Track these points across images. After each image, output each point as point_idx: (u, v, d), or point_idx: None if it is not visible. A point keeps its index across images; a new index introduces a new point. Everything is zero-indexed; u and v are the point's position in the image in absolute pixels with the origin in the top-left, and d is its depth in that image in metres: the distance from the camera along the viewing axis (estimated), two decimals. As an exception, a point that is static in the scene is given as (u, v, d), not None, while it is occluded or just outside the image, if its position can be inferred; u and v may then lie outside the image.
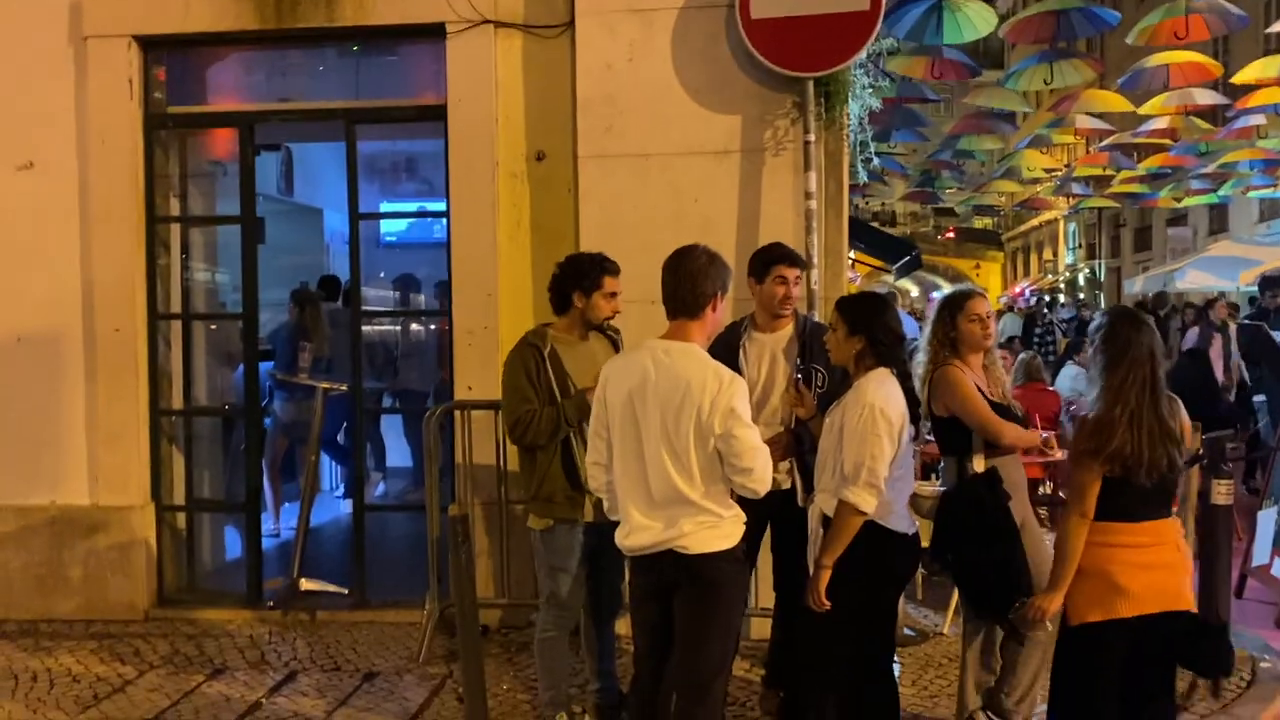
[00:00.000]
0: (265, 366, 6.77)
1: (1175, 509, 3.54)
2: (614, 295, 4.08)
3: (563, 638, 4.13)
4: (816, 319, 4.82)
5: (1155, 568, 3.24)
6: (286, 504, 7.30)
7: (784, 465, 3.99)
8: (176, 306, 6.05)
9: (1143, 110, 13.53)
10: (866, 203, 21.77)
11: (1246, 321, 9.41)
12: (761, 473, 3.20)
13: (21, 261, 5.78)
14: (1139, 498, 3.24)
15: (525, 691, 4.67)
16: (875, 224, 25.05)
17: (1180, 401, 3.35)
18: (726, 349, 4.08)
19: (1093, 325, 3.51)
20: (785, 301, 4.17)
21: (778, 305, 4.17)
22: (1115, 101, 13.38)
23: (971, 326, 4.00)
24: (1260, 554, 6.37)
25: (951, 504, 3.94)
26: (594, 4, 5.26)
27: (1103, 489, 3.25)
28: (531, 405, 3.98)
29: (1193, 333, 11.26)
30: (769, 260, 4.20)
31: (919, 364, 4.13)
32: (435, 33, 5.48)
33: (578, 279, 4.07)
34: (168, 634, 5.54)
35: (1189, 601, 3.28)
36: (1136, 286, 21.21)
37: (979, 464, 3.93)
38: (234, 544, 6.31)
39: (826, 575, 3.44)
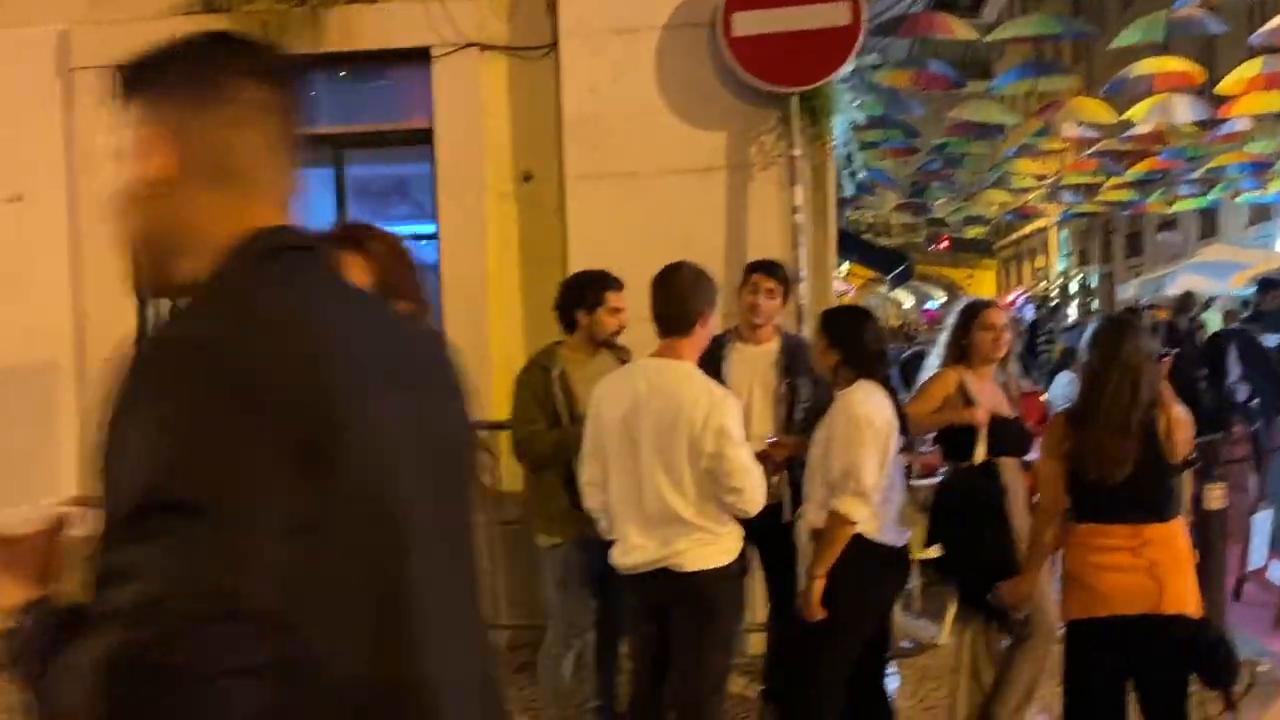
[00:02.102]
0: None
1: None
2: (618, 311, 4.10)
3: (569, 657, 4.12)
4: (804, 332, 4.84)
5: (1130, 570, 3.26)
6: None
7: (773, 479, 4.00)
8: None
9: (1127, 115, 13.61)
10: (860, 215, 21.83)
11: (1237, 328, 9.39)
12: (752, 493, 3.20)
13: (9, 293, 5.78)
14: (1107, 499, 3.29)
15: (524, 713, 4.65)
16: (869, 235, 25.10)
17: (1178, 407, 3.36)
18: (709, 361, 4.09)
19: (1086, 331, 3.57)
20: (754, 310, 4.18)
21: (749, 313, 4.20)
22: (1100, 111, 13.45)
23: (984, 335, 4.02)
24: (1256, 557, 6.37)
25: (946, 491, 4.00)
26: (577, 25, 5.30)
27: (1075, 489, 3.35)
28: (536, 426, 3.99)
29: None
30: (748, 269, 4.27)
31: (928, 369, 4.16)
32: (421, 57, 5.51)
33: (580, 296, 4.10)
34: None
35: (1180, 605, 3.27)
36: (1129, 292, 21.27)
37: (979, 454, 3.94)
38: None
39: (819, 585, 3.45)
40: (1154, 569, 3.26)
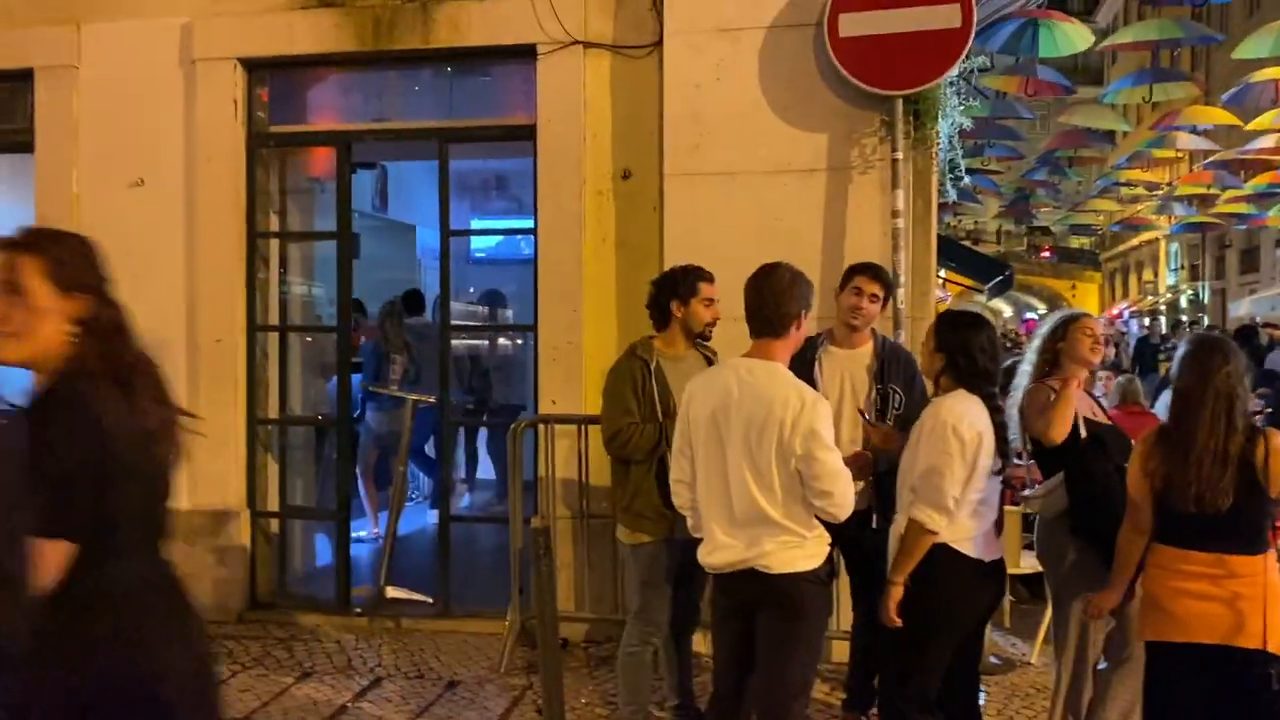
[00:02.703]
0: (357, 378, 6.95)
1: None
2: (711, 301, 4.10)
3: (647, 653, 4.14)
4: (902, 339, 4.77)
5: (1208, 599, 3.18)
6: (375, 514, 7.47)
7: (860, 485, 3.95)
8: (274, 319, 6.26)
9: (1250, 126, 13.06)
10: (959, 221, 21.38)
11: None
12: (842, 497, 3.17)
13: (132, 273, 5.98)
14: (1190, 525, 3.22)
15: (604, 706, 4.69)
16: (968, 242, 24.57)
17: (1278, 436, 3.22)
18: (800, 363, 4.06)
19: (1178, 350, 3.45)
20: (855, 312, 4.13)
21: (848, 314, 4.15)
22: (1220, 116, 12.95)
23: (1082, 338, 3.92)
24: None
25: (1068, 470, 3.89)
26: (683, 24, 5.30)
27: (1158, 512, 3.30)
28: (633, 418, 4.01)
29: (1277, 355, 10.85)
30: (850, 271, 4.23)
31: (1021, 375, 4.05)
32: (526, 54, 5.59)
33: (674, 288, 4.11)
34: (259, 636, 5.71)
35: (1259, 641, 3.14)
36: (1242, 309, 20.43)
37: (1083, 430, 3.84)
38: (324, 550, 6.48)
39: (897, 593, 3.40)
40: (1236, 601, 3.17)
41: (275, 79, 6.15)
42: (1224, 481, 3.14)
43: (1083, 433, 3.84)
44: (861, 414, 4.03)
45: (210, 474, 5.93)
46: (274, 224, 6.30)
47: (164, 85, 6.00)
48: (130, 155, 6.03)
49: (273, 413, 6.24)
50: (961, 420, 3.34)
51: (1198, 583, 3.21)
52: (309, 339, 6.62)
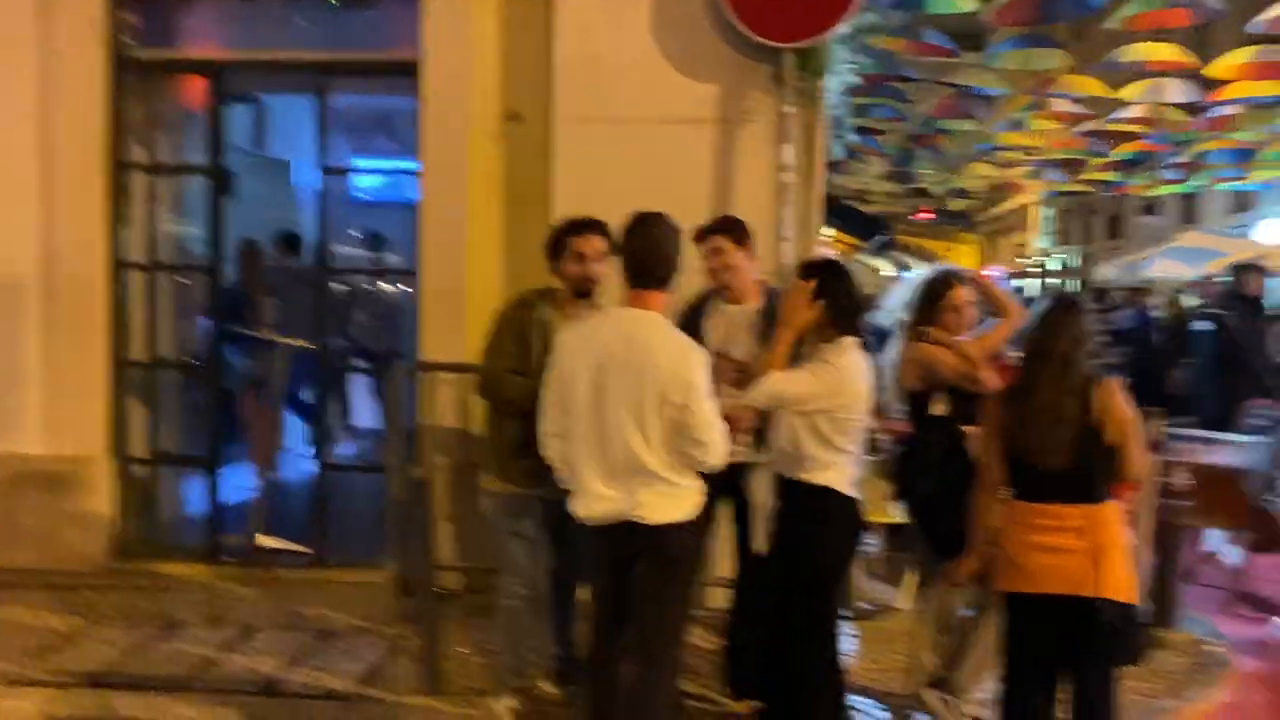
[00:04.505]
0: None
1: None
2: (583, 257, 3.92)
3: (524, 604, 4.12)
4: (786, 293, 4.81)
5: (1051, 550, 3.35)
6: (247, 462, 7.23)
7: (744, 438, 3.98)
8: (141, 256, 5.95)
9: (1120, 94, 13.56)
10: (841, 179, 21.71)
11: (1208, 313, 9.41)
12: (716, 446, 3.19)
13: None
14: (1034, 480, 3.38)
15: (482, 655, 4.67)
16: (853, 202, 25.00)
17: (1110, 387, 3.37)
18: (693, 318, 4.05)
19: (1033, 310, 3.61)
20: (712, 274, 4.06)
21: (711, 277, 4.07)
22: (1093, 86, 13.40)
23: (947, 316, 4.05)
24: (1211, 542, 6.48)
25: (912, 447, 4.09)
26: (574, -36, 5.19)
27: (1012, 469, 3.44)
28: (508, 364, 3.92)
29: (1128, 315, 11.44)
30: (701, 232, 4.06)
31: (896, 339, 4.15)
32: (412, -14, 5.39)
33: (549, 246, 4.00)
34: (123, 586, 5.48)
35: (1102, 589, 3.31)
36: (1107, 274, 21.37)
37: (938, 408, 3.97)
38: (195, 498, 6.25)
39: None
40: (1076, 552, 3.33)
41: (142, 1, 5.79)
42: (1061, 436, 3.29)
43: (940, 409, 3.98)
44: (719, 355, 3.89)
45: (70, 419, 5.64)
46: (141, 156, 5.96)
47: (14, 30, 5.57)
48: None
49: (139, 355, 5.96)
50: (848, 371, 3.42)
51: (1044, 535, 3.36)
52: (181, 279, 6.33)
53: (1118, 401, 3.34)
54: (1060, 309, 3.47)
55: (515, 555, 4.04)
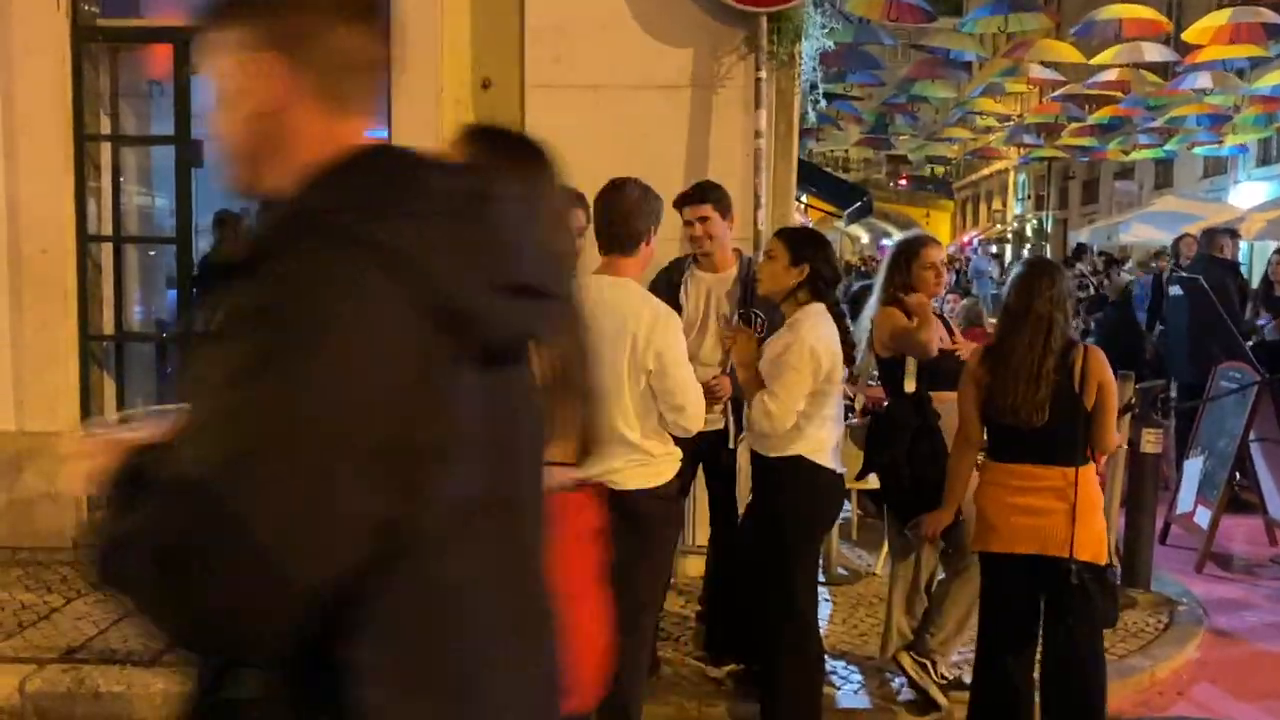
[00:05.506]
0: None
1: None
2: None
3: None
4: (761, 260, 4.79)
5: (1027, 511, 3.38)
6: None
7: (718, 405, 3.98)
8: (108, 229, 5.86)
9: (1095, 61, 13.58)
10: (822, 147, 21.63)
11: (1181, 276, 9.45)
12: (694, 409, 3.18)
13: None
14: (1014, 440, 3.41)
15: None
16: (829, 169, 24.95)
17: (1095, 354, 3.40)
18: (668, 285, 4.03)
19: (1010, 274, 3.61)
20: (694, 242, 4.07)
21: (692, 245, 4.09)
22: (1068, 52, 13.41)
23: (925, 274, 4.03)
24: (1184, 502, 6.55)
25: (881, 421, 4.13)
26: (544, -73, 5.11)
27: (989, 429, 3.48)
28: None
29: (1140, 282, 11.45)
30: (685, 198, 4.06)
31: (871, 307, 4.15)
32: (379, -49, 5.29)
33: None
34: (97, 562, 5.44)
35: (1078, 550, 3.34)
36: (1083, 238, 21.47)
37: (909, 384, 3.99)
38: (168, 473, 6.20)
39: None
40: (1050, 513, 3.36)
41: (103, -33, 5.67)
42: (1039, 397, 3.31)
43: (911, 386, 4.00)
44: (726, 320, 3.98)
45: (39, 394, 5.57)
46: (106, 126, 5.86)
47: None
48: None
49: (108, 328, 5.88)
50: (819, 340, 3.40)
51: (1020, 496, 3.39)
52: (151, 251, 6.24)
53: (1100, 368, 3.36)
54: (1038, 271, 3.49)
55: None
